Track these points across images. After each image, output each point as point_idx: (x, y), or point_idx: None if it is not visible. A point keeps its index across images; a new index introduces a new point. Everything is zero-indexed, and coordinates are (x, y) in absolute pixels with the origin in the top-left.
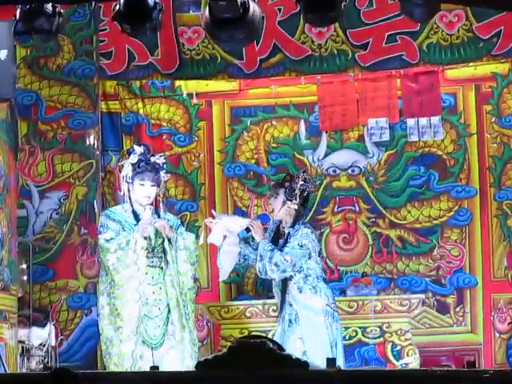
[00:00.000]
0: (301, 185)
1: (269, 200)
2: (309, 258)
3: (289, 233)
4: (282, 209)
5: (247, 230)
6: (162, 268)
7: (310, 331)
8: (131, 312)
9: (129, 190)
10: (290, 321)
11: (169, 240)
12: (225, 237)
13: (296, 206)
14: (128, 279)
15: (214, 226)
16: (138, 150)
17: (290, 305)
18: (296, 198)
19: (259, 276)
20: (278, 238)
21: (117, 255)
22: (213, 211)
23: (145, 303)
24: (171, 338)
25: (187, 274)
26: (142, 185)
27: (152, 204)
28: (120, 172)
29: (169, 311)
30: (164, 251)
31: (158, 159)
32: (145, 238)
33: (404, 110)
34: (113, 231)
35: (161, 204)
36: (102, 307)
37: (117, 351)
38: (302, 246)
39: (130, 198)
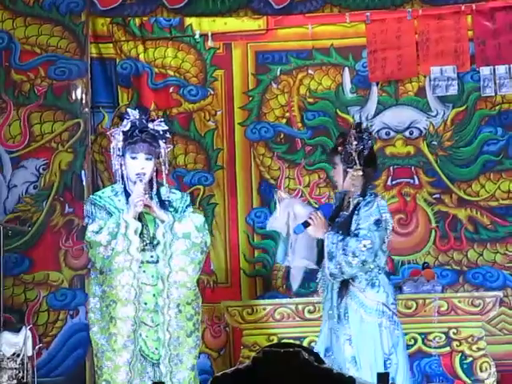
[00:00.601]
0: (355, 145)
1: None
2: None
3: (358, 203)
4: (345, 179)
5: (304, 224)
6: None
7: (359, 332)
8: (125, 313)
9: (121, 165)
10: (339, 316)
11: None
12: (288, 226)
13: (360, 172)
14: (119, 272)
15: (282, 205)
16: (132, 114)
17: (341, 296)
18: (356, 163)
19: (330, 280)
20: (340, 211)
21: (112, 246)
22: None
23: (143, 308)
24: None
25: (186, 270)
26: (135, 158)
27: (143, 180)
28: (111, 142)
29: None
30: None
31: (158, 125)
32: (139, 219)
33: (476, 56)
34: (101, 220)
35: (164, 178)
36: (93, 312)
37: (110, 364)
38: (379, 224)
39: (122, 176)
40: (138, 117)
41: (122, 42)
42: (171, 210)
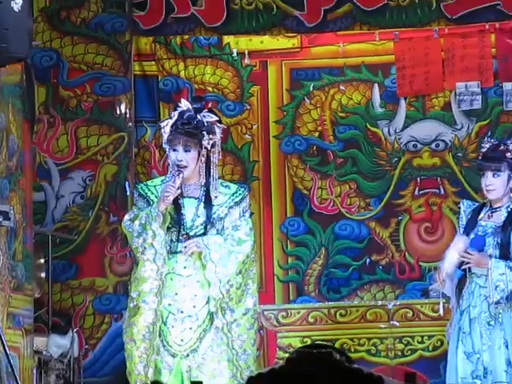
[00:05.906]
0: None
1: (484, 181)
2: None
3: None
4: (507, 186)
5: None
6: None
7: None
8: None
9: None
10: (492, 319)
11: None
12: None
13: None
14: (142, 265)
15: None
16: (184, 104)
17: (486, 299)
18: None
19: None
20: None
21: (143, 237)
22: None
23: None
24: (211, 346)
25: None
26: (175, 150)
27: (181, 174)
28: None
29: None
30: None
31: (206, 116)
32: (169, 215)
33: (499, 72)
34: (139, 208)
35: (212, 174)
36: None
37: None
38: None
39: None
40: (185, 108)
41: (163, 59)
42: (215, 204)
